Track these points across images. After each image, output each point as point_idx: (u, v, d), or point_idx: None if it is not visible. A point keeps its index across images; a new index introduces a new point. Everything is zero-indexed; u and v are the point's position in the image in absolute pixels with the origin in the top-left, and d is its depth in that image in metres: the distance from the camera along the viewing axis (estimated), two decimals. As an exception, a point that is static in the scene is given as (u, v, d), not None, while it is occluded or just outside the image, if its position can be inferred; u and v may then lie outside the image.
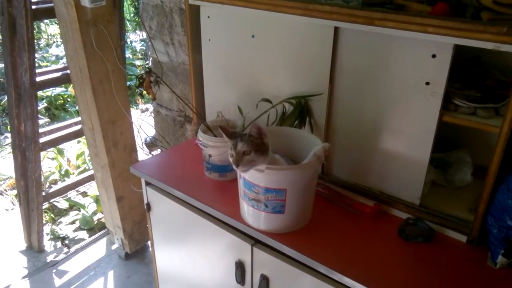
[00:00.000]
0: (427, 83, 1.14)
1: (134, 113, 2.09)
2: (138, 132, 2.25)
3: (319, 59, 1.31)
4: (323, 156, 1.15)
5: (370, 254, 1.17)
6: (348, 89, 1.30)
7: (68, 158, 3.51)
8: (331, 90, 1.33)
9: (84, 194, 3.17)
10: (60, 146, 3.35)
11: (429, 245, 1.19)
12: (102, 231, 2.86)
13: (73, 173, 3.36)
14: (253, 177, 1.15)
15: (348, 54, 1.26)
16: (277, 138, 1.26)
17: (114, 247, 2.72)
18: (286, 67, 1.41)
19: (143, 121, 2.20)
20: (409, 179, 1.27)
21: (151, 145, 2.99)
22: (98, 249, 2.74)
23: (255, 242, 1.27)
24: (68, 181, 2.97)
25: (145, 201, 1.63)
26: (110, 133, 2.20)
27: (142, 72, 1.47)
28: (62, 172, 3.34)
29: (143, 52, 5.81)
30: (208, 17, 1.54)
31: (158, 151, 2.79)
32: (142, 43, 5.89)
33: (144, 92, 1.50)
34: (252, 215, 1.23)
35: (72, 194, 3.10)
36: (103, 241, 2.81)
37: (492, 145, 1.36)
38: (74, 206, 3.10)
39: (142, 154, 2.62)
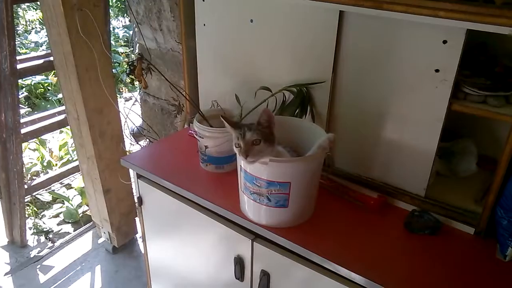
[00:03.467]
0: (437, 70, 1.10)
1: (119, 102, 2.00)
2: (125, 121, 2.17)
3: (322, 45, 1.25)
4: (328, 147, 1.10)
5: (375, 248, 1.13)
6: (352, 76, 1.25)
7: (51, 149, 3.38)
8: (334, 78, 1.27)
9: (68, 186, 3.06)
10: (42, 137, 3.21)
11: (435, 238, 1.16)
12: (88, 224, 2.77)
13: (56, 165, 3.24)
14: (255, 170, 1.09)
15: (353, 40, 1.20)
16: (279, 128, 1.19)
17: (100, 240, 2.64)
18: (287, 53, 1.35)
19: (130, 110, 2.11)
20: (415, 170, 1.23)
21: (138, 135, 2.90)
22: (84, 243, 2.65)
23: (256, 237, 1.22)
24: (52, 173, 2.86)
25: (137, 195, 1.56)
26: (97, 123, 2.10)
27: (132, 59, 1.38)
28: (45, 164, 3.22)
29: (125, 39, 5.65)
30: (203, 0, 1.46)
31: (146, 141, 2.70)
32: (125, 29, 5.72)
33: (135, 80, 1.42)
34: (253, 209, 1.17)
35: (55, 186, 2.99)
36: (89, 234, 2.72)
37: (497, 133, 1.34)
38: (57, 198, 2.99)
39: (129, 144, 2.54)
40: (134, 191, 2.59)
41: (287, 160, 1.07)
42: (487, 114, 1.09)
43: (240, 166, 1.14)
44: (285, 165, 1.07)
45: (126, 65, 1.40)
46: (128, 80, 1.66)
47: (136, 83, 1.39)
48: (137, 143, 2.27)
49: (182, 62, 1.56)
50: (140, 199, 1.56)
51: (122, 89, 4.45)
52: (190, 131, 1.61)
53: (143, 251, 2.40)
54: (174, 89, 1.41)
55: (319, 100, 1.33)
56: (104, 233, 2.52)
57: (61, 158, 3.31)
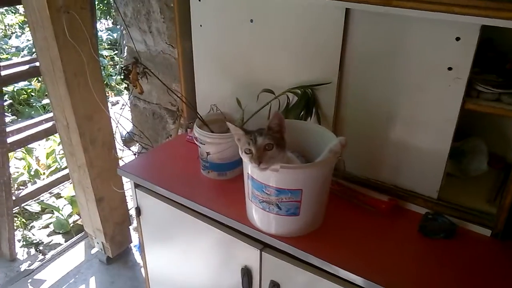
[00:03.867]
0: (450, 68, 1.06)
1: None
2: (117, 127, 2.09)
3: (327, 45, 1.20)
4: (340, 151, 1.05)
5: (390, 254, 1.09)
6: (359, 76, 1.20)
7: (38, 157, 3.27)
8: (341, 78, 1.23)
9: (58, 196, 2.96)
10: (29, 145, 3.10)
11: (451, 241, 1.12)
12: (80, 235, 2.68)
13: (44, 173, 3.13)
14: (264, 177, 1.04)
15: (360, 38, 1.16)
16: (287, 132, 1.14)
17: (94, 251, 2.55)
18: (290, 54, 1.30)
19: (121, 116, 2.04)
20: (427, 172, 1.19)
21: (129, 141, 2.82)
22: (77, 254, 2.56)
23: (264, 247, 1.16)
24: (40, 182, 2.77)
25: (135, 205, 1.49)
26: (87, 130, 2.02)
27: (124, 63, 1.31)
28: (32, 173, 3.11)
29: (109, 42, 5.53)
30: (199, 0, 1.40)
31: (137, 147, 2.62)
32: (109, 32, 5.60)
33: (131, 85, 1.35)
34: (262, 218, 1.12)
35: (44, 196, 2.88)
36: (81, 245, 2.63)
37: (506, 131, 1.31)
38: (46, 208, 2.88)
39: (120, 151, 2.45)
40: (128, 199, 2.51)
41: (299, 167, 1.01)
42: (502, 112, 1.05)
43: (248, 173, 1.09)
44: (297, 171, 1.01)
45: (120, 70, 1.33)
46: (123, 86, 1.58)
47: (127, 87, 1.31)
48: (129, 149, 2.20)
49: (178, 65, 1.49)
50: (138, 209, 1.49)
51: (108, 93, 4.34)
52: (188, 137, 1.55)
53: (139, 262, 2.33)
54: (168, 94, 1.35)
55: (324, 101, 1.28)
56: (98, 243, 2.43)
57: (49, 166, 3.21)
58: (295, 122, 1.24)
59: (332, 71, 1.22)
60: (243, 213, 1.19)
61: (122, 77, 1.34)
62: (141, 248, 1.60)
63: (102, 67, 4.43)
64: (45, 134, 2.43)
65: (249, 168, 1.06)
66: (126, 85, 1.36)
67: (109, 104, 4.13)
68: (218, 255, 1.31)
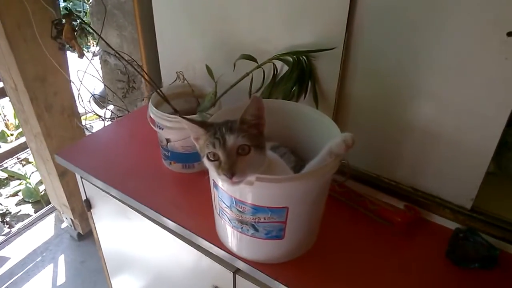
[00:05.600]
0: (510, 34, 0.71)
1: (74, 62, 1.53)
2: (79, 90, 1.74)
3: (331, -6, 0.84)
4: (344, 152, 0.72)
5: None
6: (374, 41, 0.86)
7: (5, 116, 2.94)
8: (348, 42, 0.88)
9: (26, 161, 2.66)
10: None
11: (491, 273, 0.83)
12: (50, 205, 2.41)
13: (12, 135, 2.82)
14: (235, 190, 0.72)
15: (380, -15, 0.80)
16: (268, 117, 0.80)
17: (64, 225, 2.29)
18: (280, 6, 0.94)
19: (85, 73, 1.68)
20: (460, 173, 0.88)
21: (102, 100, 2.47)
22: (46, 228, 2.30)
23: (238, 270, 0.87)
24: (5, 147, 2.46)
25: (83, 197, 1.19)
26: (40, 94, 1.68)
27: (60, 17, 0.96)
28: (-2, 134, 2.80)
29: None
30: None
31: (111, 108, 2.29)
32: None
33: (67, 44, 1.00)
34: (234, 238, 0.82)
35: (11, 162, 2.59)
36: (51, 218, 2.37)
37: None
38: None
39: (92, 112, 2.12)
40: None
41: (284, 179, 0.69)
42: None
43: (213, 180, 0.77)
44: (281, 186, 0.69)
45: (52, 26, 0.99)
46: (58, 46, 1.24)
47: (61, 47, 0.96)
48: (96, 114, 1.87)
49: (134, 14, 1.12)
50: (88, 202, 1.19)
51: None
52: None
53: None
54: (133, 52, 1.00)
55: (324, 74, 0.94)
56: (66, 218, 2.17)
57: (18, 126, 2.88)
58: (283, 103, 0.91)
59: (336, 32, 0.87)
60: (212, 226, 0.89)
61: (53, 35, 0.98)
62: (96, 245, 1.32)
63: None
64: (0, 94, 2.08)
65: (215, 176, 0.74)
66: (60, 46, 1.01)
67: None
68: (186, 270, 1.03)
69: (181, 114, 1.03)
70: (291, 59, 0.93)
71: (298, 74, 0.94)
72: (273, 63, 0.96)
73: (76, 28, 0.99)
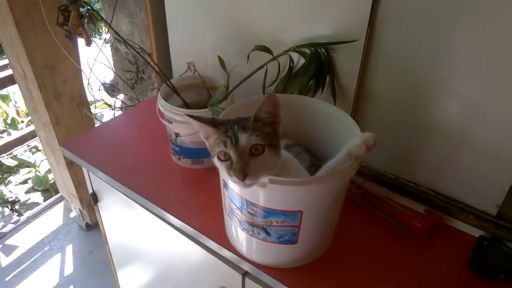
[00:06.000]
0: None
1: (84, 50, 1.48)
2: (88, 79, 1.71)
3: (354, -18, 0.78)
4: (365, 154, 0.67)
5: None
6: (399, 34, 0.80)
7: (16, 103, 2.92)
8: (371, 35, 0.82)
9: (36, 149, 2.65)
10: (3, 91, 2.75)
11: (516, 284, 0.78)
12: (59, 194, 2.39)
13: (22, 122, 2.81)
14: (246, 192, 0.68)
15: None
16: (283, 113, 0.75)
17: (72, 214, 2.28)
18: (297, -5, 0.88)
19: (95, 61, 1.64)
20: (486, 178, 0.82)
21: (112, 89, 2.44)
22: (54, 217, 2.29)
23: (247, 272, 0.83)
24: (15, 134, 2.44)
25: (90, 190, 1.16)
26: (49, 83, 1.65)
27: (66, 3, 0.91)
28: (8, 121, 2.78)
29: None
30: None
31: (121, 97, 2.25)
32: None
33: (74, 32, 0.96)
34: (244, 240, 0.78)
35: (20, 150, 2.58)
36: (60, 206, 2.36)
37: None
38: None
39: (102, 101, 2.09)
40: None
41: (299, 182, 0.64)
42: None
43: (223, 179, 0.73)
44: (295, 189, 0.65)
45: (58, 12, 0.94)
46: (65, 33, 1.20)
47: (68, 35, 0.92)
48: (106, 103, 1.83)
49: (145, 6, 1.08)
50: (94, 196, 1.16)
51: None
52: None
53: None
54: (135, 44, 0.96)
55: (344, 68, 0.89)
56: (75, 208, 2.15)
57: (28, 113, 2.87)
58: (298, 98, 0.85)
59: (359, 24, 0.81)
60: (222, 226, 0.85)
61: (60, 21, 0.94)
62: (103, 238, 1.29)
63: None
64: (9, 81, 2.06)
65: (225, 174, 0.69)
66: (67, 33, 0.97)
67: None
68: (192, 268, 0.99)
69: (192, 106, 0.99)
70: (308, 51, 0.88)
71: (316, 67, 0.88)
72: (289, 55, 0.91)
73: (84, 15, 0.95)
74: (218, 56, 0.95)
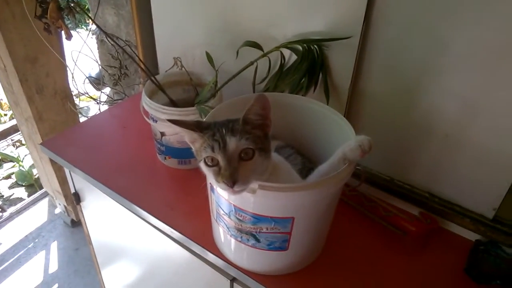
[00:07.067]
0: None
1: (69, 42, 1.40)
2: (73, 72, 1.65)
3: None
4: (360, 158, 0.64)
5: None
6: (395, 31, 0.76)
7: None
8: (366, 32, 0.78)
9: (20, 143, 2.58)
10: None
11: (513, 290, 0.75)
12: (43, 190, 2.33)
13: (6, 115, 2.73)
14: (234, 197, 0.64)
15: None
16: (274, 113, 0.71)
17: (57, 211, 2.23)
18: (289, -13, 0.84)
19: (79, 54, 1.57)
20: (483, 180, 0.80)
21: (97, 82, 2.37)
22: (39, 213, 2.24)
23: (235, 278, 0.80)
24: (-2, 127, 2.38)
25: (72, 190, 1.11)
26: (31, 76, 1.59)
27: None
28: (-9, 115, 2.71)
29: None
30: None
31: (107, 90, 2.19)
32: None
33: (53, 25, 0.91)
34: (232, 247, 0.74)
35: (2, 144, 2.51)
36: (45, 202, 2.30)
37: None
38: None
39: (87, 95, 2.02)
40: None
41: (290, 188, 0.60)
42: None
43: (210, 182, 0.69)
44: (287, 195, 0.61)
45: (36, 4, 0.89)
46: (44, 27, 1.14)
47: (47, 28, 0.86)
48: (91, 97, 1.77)
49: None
50: (77, 195, 1.11)
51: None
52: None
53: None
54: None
55: (338, 65, 0.85)
56: (59, 204, 2.10)
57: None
58: (290, 97, 0.82)
59: (353, 20, 0.77)
60: (210, 230, 0.81)
61: (37, 14, 0.89)
62: (87, 239, 1.25)
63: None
64: (-10, 74, 1.98)
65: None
66: (45, 26, 0.91)
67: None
68: (179, 272, 0.95)
69: (178, 104, 0.95)
70: (300, 48, 0.84)
71: (308, 64, 0.84)
72: (281, 52, 0.87)
73: (64, 7, 0.89)
74: (206, 52, 0.90)
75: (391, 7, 0.74)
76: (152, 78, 0.91)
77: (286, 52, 0.87)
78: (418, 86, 0.78)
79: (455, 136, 0.79)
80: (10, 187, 2.42)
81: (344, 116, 0.75)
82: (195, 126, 0.61)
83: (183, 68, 0.97)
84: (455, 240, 0.83)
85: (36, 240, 2.09)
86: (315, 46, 0.83)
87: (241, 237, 0.69)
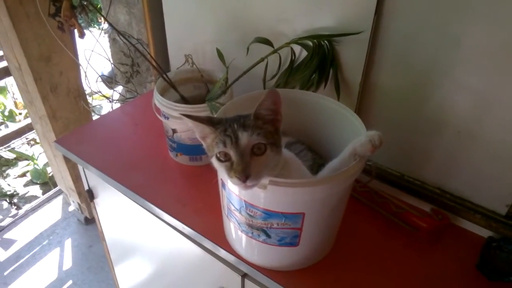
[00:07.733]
0: None
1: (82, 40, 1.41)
2: (85, 71, 1.67)
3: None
4: (370, 153, 0.64)
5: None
6: (407, 26, 0.76)
7: (14, 95, 2.88)
8: (377, 27, 0.78)
9: (34, 141, 2.62)
10: (1, 83, 2.71)
11: (526, 287, 0.74)
12: (58, 187, 2.37)
13: (20, 114, 2.77)
14: (245, 193, 0.64)
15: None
16: (284, 109, 0.71)
17: (71, 208, 2.26)
18: (299, -16, 0.84)
19: (92, 53, 1.59)
20: (496, 176, 0.79)
21: (110, 81, 2.40)
22: (53, 211, 2.27)
23: (246, 274, 0.80)
24: (12, 126, 2.41)
25: (85, 187, 1.13)
26: (45, 75, 1.61)
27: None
28: (6, 113, 2.74)
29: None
30: None
31: (120, 89, 2.21)
32: None
33: (66, 24, 0.92)
34: (243, 243, 0.75)
35: (19, 142, 2.55)
36: (59, 200, 2.33)
37: None
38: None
39: (99, 93, 2.05)
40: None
41: (301, 184, 0.61)
42: None
43: (221, 179, 0.70)
44: (297, 190, 0.61)
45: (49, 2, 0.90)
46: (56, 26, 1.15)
47: (60, 27, 0.88)
48: (103, 96, 1.79)
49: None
50: (90, 192, 1.13)
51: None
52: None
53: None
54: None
55: (348, 61, 0.85)
56: (73, 202, 2.13)
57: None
58: (300, 93, 0.82)
59: (364, 15, 0.77)
60: (221, 226, 0.82)
61: (51, 13, 0.90)
62: (100, 236, 1.26)
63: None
64: (5, 73, 2.02)
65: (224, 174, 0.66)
66: (59, 25, 0.93)
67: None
68: (191, 267, 0.96)
69: (190, 101, 0.96)
70: (311, 44, 0.84)
71: (319, 60, 0.84)
72: (291, 48, 0.87)
73: (77, 6, 0.91)
74: (217, 49, 0.91)
75: (402, 1, 0.74)
76: (164, 75, 0.92)
77: (297, 48, 0.87)
78: (430, 81, 0.78)
79: (468, 131, 0.78)
80: (25, 185, 2.46)
81: (355, 112, 0.75)
82: (207, 121, 0.62)
83: (194, 65, 0.98)
84: (467, 237, 0.83)
85: (51, 237, 2.12)
86: (326, 41, 0.83)
87: (252, 232, 0.70)
